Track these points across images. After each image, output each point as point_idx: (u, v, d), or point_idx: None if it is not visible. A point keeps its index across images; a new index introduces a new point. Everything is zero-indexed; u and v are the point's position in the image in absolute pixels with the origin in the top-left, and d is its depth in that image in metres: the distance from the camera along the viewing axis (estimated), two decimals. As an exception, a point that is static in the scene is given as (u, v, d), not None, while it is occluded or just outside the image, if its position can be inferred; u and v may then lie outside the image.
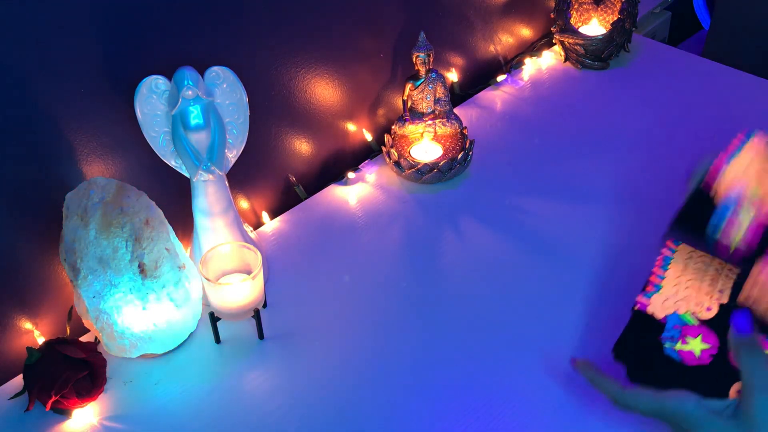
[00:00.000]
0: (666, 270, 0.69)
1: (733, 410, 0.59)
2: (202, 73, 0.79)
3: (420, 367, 0.80)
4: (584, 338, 0.81)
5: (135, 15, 0.77)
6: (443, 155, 1.03)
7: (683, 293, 0.67)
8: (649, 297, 0.68)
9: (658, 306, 0.68)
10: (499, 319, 0.84)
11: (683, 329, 0.65)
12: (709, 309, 0.64)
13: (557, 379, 0.78)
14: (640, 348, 0.66)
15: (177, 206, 0.86)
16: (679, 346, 0.64)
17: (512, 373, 0.79)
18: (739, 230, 0.62)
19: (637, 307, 0.69)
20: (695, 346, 0.64)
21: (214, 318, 0.82)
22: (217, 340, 0.84)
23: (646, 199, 0.98)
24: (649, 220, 0.95)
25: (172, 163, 0.82)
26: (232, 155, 0.84)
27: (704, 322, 0.64)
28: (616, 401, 0.65)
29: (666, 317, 0.66)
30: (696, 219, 0.66)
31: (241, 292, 0.79)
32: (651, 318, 0.67)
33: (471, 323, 0.84)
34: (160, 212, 0.80)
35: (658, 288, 0.69)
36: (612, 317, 0.83)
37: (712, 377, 0.63)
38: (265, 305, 0.85)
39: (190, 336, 0.83)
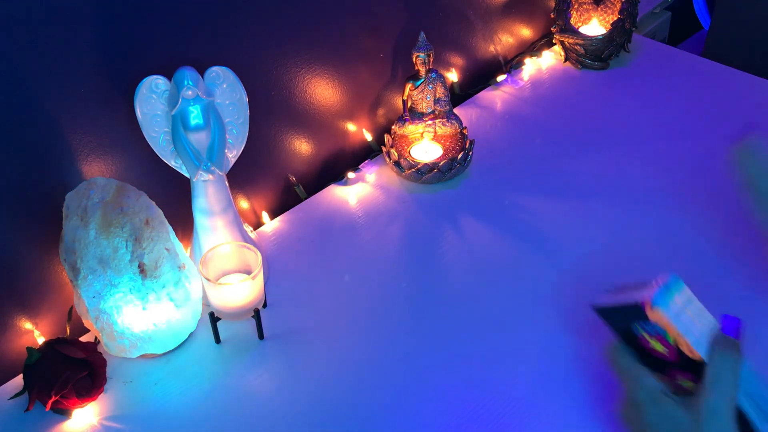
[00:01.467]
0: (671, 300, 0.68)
1: (685, 399, 0.61)
2: (202, 73, 0.79)
3: (420, 367, 0.80)
4: (585, 336, 0.81)
5: (135, 15, 0.77)
6: (443, 155, 1.03)
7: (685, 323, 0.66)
8: (655, 306, 0.68)
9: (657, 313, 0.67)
10: (499, 319, 0.84)
11: (659, 337, 0.65)
12: (692, 352, 0.64)
13: (558, 379, 0.78)
14: (621, 318, 0.67)
15: (177, 206, 0.86)
16: (644, 334, 0.65)
17: (512, 372, 0.79)
18: (659, 342, 0.65)
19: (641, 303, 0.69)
20: (657, 347, 0.65)
21: (214, 318, 0.82)
22: (217, 340, 0.84)
23: (646, 199, 0.98)
24: (649, 219, 0.95)
25: (172, 163, 0.82)
26: (232, 155, 0.84)
27: (680, 353, 0.64)
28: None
29: (654, 323, 0.66)
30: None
31: (241, 292, 0.79)
32: (642, 312, 0.67)
33: (471, 323, 0.84)
34: (160, 212, 0.80)
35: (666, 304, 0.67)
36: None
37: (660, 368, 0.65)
38: (265, 305, 0.85)
39: (190, 336, 0.83)
